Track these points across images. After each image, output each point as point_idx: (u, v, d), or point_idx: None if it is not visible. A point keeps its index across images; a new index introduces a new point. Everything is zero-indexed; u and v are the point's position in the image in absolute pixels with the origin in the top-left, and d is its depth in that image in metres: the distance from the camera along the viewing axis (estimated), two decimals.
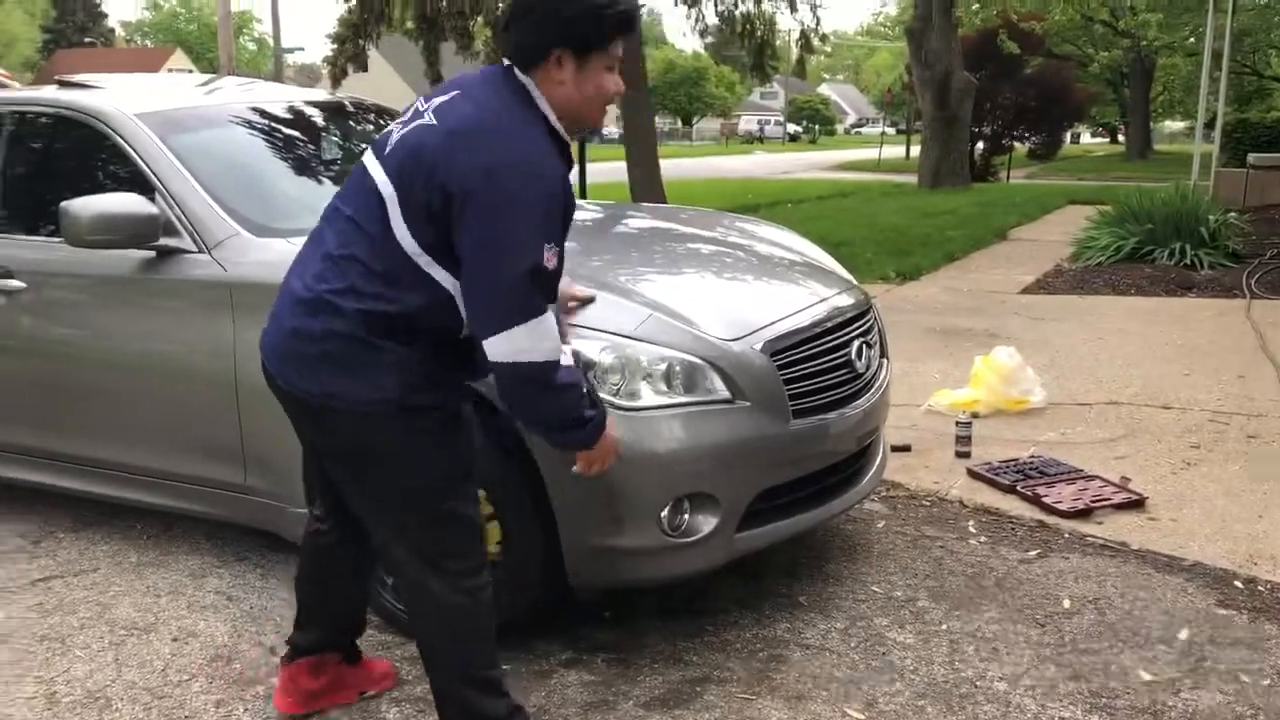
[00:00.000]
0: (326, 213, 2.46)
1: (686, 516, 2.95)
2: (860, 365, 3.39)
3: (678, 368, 2.95)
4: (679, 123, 69.21)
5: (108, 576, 3.69)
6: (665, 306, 3.11)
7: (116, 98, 3.87)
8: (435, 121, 2.27)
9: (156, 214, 3.38)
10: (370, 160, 2.35)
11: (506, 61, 2.33)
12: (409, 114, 2.38)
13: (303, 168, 4.11)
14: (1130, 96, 41.47)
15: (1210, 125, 15.20)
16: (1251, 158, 14.54)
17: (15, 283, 3.76)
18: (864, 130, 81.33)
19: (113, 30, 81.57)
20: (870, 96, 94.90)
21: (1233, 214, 10.93)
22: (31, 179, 4.04)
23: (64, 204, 3.30)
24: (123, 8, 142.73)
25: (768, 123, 72.25)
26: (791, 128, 69.77)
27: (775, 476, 3.11)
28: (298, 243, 3.29)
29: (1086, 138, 60.85)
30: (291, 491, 3.33)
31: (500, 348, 2.18)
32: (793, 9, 12.85)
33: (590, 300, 3.04)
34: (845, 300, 3.57)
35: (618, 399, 2.87)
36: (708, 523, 2.97)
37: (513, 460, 2.93)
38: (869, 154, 39.24)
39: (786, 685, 2.93)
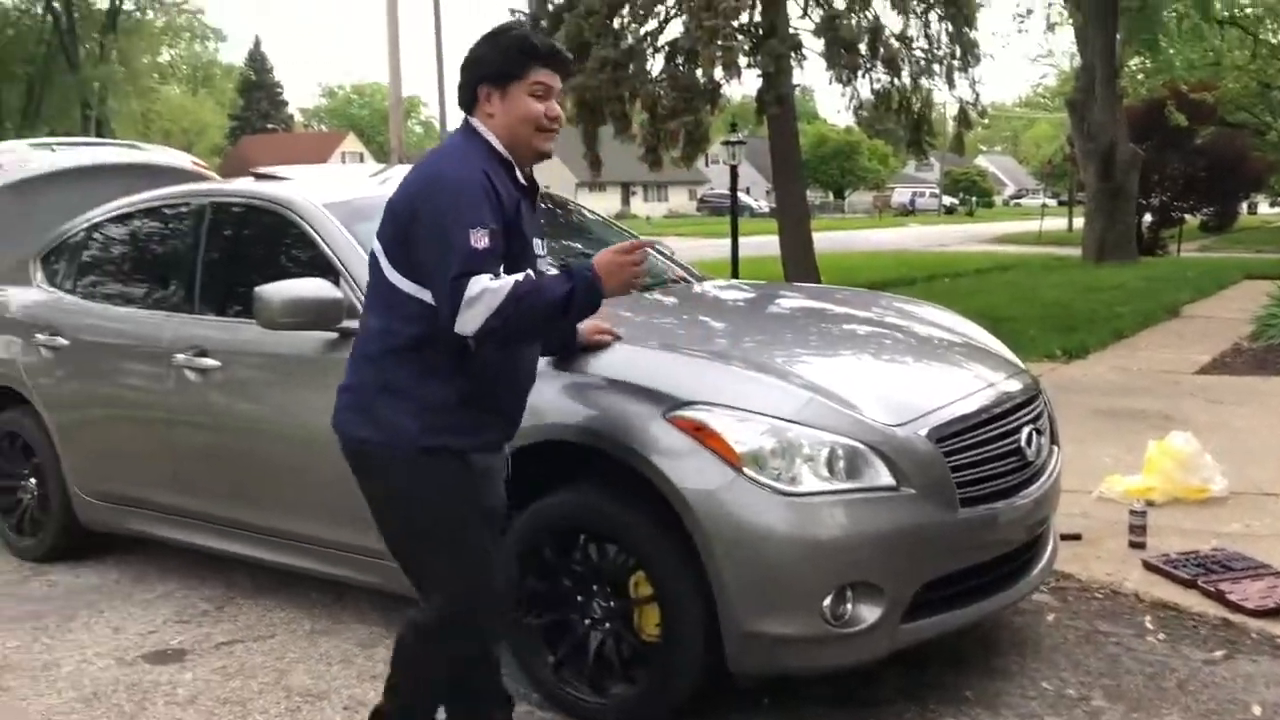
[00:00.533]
0: None
1: (849, 606, 2.91)
2: (1030, 453, 3.30)
3: (840, 453, 2.93)
4: (831, 196, 69.08)
5: (284, 643, 3.85)
6: (826, 389, 3.10)
7: (305, 188, 4.13)
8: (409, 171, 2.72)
9: (341, 298, 3.56)
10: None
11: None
12: None
13: None
14: None
15: None
16: None
17: (210, 361, 4.02)
18: (1023, 202, 79.43)
19: (292, 116, 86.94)
20: (1029, 168, 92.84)
21: None
22: (226, 264, 4.33)
23: (258, 289, 3.52)
24: (301, 95, 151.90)
25: (921, 195, 71.43)
26: (947, 199, 68.79)
27: (942, 567, 3.04)
28: None
29: (1265, 208, 57.95)
30: None
31: (464, 327, 2.43)
32: (950, 85, 12.75)
33: (617, 338, 3.23)
34: (1013, 385, 3.49)
35: (778, 483, 2.87)
36: (871, 613, 2.92)
37: (674, 542, 2.95)
38: (1029, 226, 38.31)
39: None
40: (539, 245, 2.73)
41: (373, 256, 2.67)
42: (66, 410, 4.63)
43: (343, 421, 2.68)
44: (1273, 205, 57.01)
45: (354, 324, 3.59)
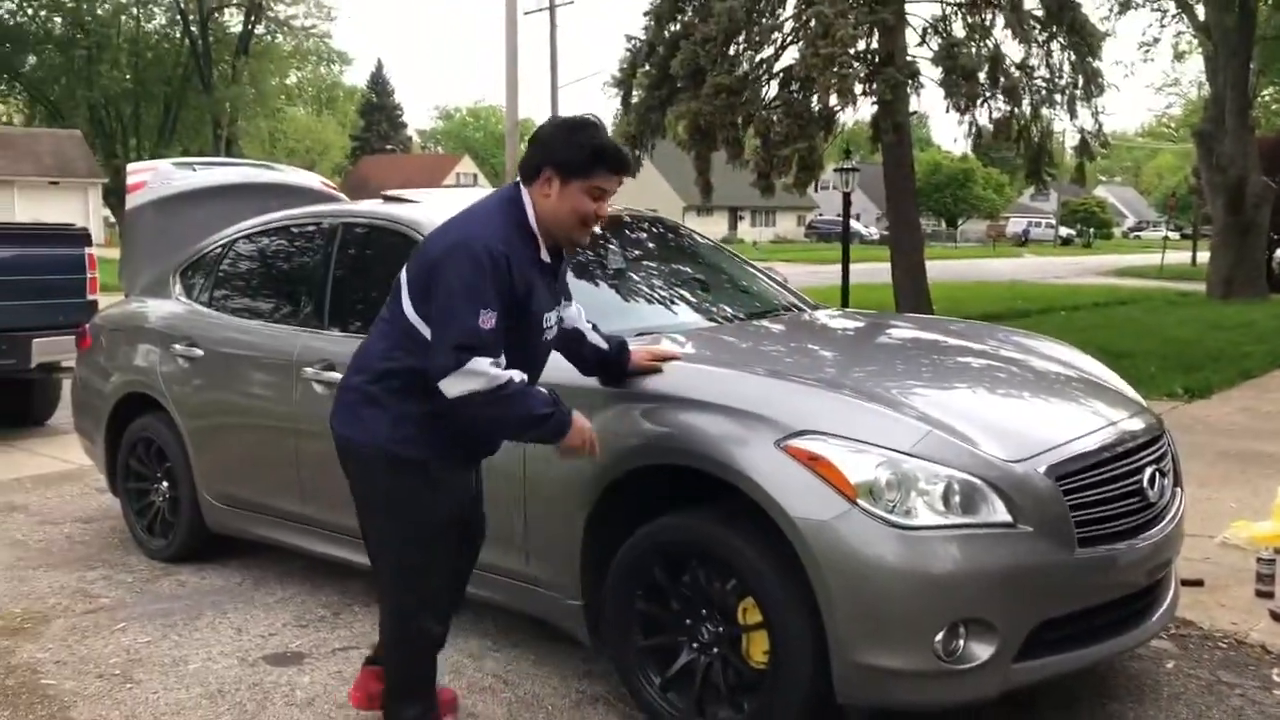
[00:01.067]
0: None
1: (962, 642, 2.88)
2: (1152, 494, 3.22)
3: (957, 487, 2.91)
4: (943, 224, 67.99)
5: None
6: (942, 423, 3.08)
7: (431, 211, 4.26)
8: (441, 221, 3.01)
9: None
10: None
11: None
12: None
13: (586, 275, 4.35)
14: None
15: None
16: None
17: (336, 375, 4.16)
18: (1143, 234, 77.07)
19: (410, 138, 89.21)
20: (1151, 199, 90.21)
21: None
22: (355, 282, 4.49)
23: None
24: (419, 117, 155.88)
25: (1037, 225, 69.78)
26: (1064, 230, 67.11)
27: (1058, 607, 2.98)
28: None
29: None
30: (568, 583, 3.48)
31: (449, 388, 2.74)
32: (1072, 115, 12.46)
33: (673, 358, 3.35)
34: (1136, 424, 3.42)
35: (893, 515, 2.86)
36: (984, 650, 2.88)
37: (784, 570, 2.96)
38: (1149, 260, 37.10)
39: None
40: (558, 311, 3.07)
41: (396, 285, 2.96)
42: (199, 417, 4.84)
43: (335, 419, 3.04)
44: None
45: None
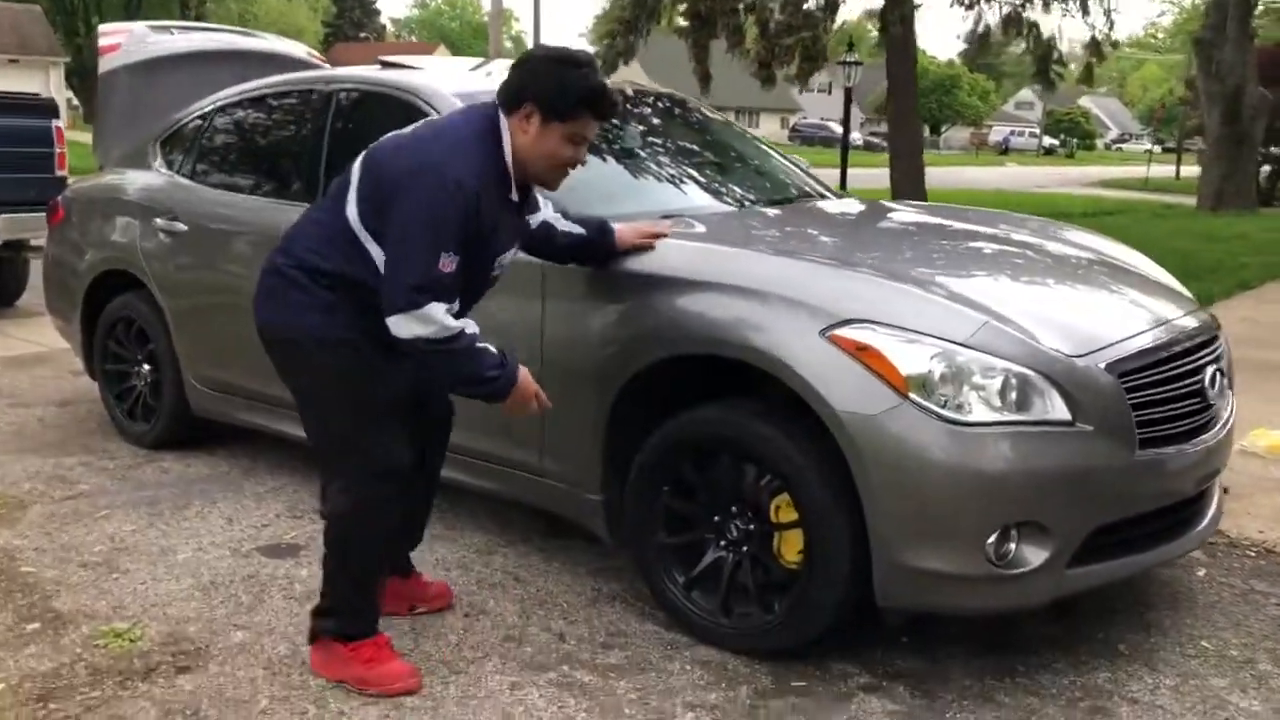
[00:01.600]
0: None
1: (1014, 546, 2.71)
2: (1212, 394, 3.04)
3: (1014, 381, 2.71)
4: (927, 131, 67.28)
5: None
6: (998, 313, 2.86)
7: (436, 79, 3.95)
8: (408, 130, 2.73)
9: None
10: (360, 156, 2.74)
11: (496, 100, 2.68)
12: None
13: (601, 153, 4.08)
14: None
15: None
16: None
17: None
18: (1125, 146, 76.70)
19: (384, 26, 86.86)
20: (1135, 111, 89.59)
21: None
22: (352, 152, 4.18)
23: None
24: (393, 5, 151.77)
25: (1020, 134, 69.21)
26: (1047, 140, 66.63)
27: (1114, 511, 2.82)
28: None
29: None
30: (585, 476, 3.29)
31: (397, 327, 2.55)
32: (1084, 11, 12.05)
33: (663, 235, 3.16)
34: (1192, 322, 3.23)
35: (946, 410, 2.66)
36: (1037, 555, 2.71)
37: (825, 467, 2.77)
38: (1133, 171, 36.89)
39: None
40: (514, 250, 2.83)
41: (342, 184, 2.71)
42: (183, 296, 4.56)
43: (259, 303, 2.80)
44: None
45: None
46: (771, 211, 4.03)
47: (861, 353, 2.73)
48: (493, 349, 2.67)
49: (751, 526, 3.00)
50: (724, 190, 4.15)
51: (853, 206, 4.35)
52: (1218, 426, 3.14)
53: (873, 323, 2.76)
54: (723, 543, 3.06)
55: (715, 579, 3.06)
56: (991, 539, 2.66)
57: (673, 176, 4.12)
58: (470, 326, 2.61)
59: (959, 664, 3.01)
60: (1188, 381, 2.99)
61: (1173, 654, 3.10)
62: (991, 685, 2.90)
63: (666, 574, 3.13)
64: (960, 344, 2.72)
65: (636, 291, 3.14)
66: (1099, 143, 77.05)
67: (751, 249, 3.29)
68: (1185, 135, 38.51)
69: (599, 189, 3.65)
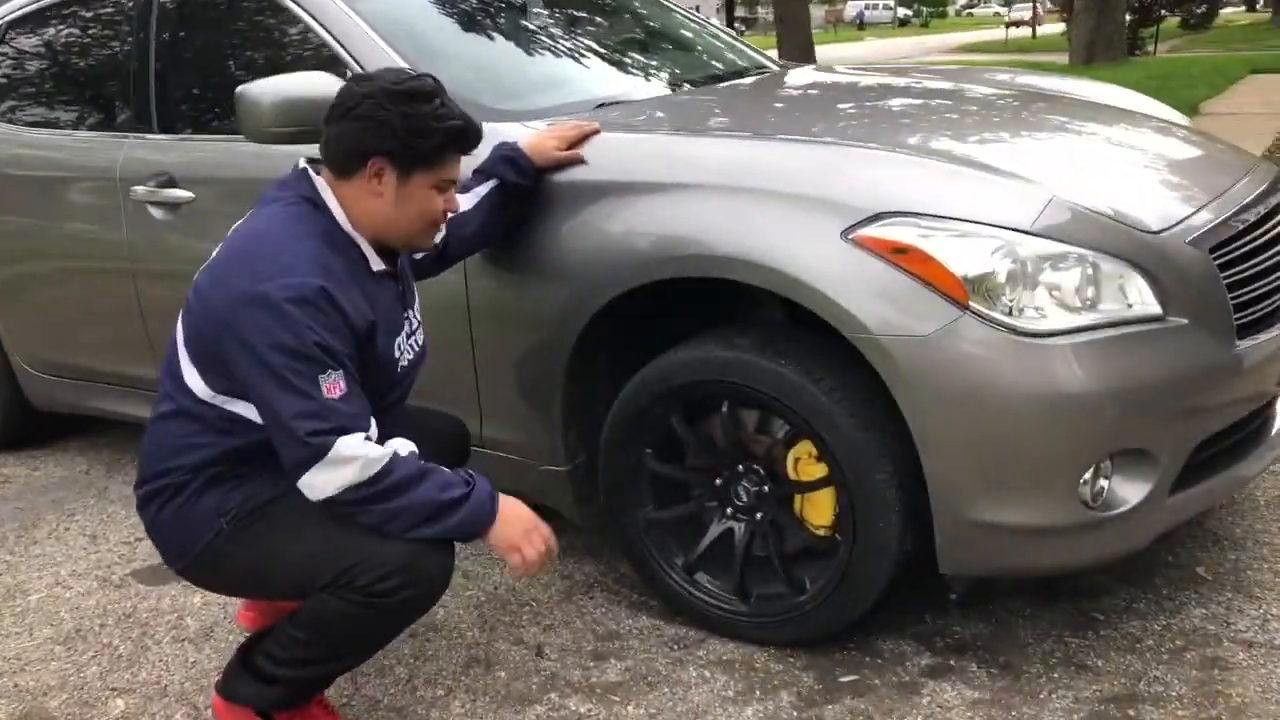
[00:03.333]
0: None
1: (1106, 483, 2.15)
2: None
3: (1092, 273, 2.11)
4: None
5: None
6: (1052, 187, 2.24)
7: None
8: (215, 253, 2.03)
9: None
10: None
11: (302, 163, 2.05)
12: None
13: (519, 34, 3.31)
14: None
15: None
16: None
17: (180, 193, 3.09)
18: (975, 12, 77.33)
19: None
20: None
21: None
22: (189, 66, 3.34)
23: (240, 89, 2.56)
24: None
25: (874, 7, 68.98)
26: (902, 11, 66.59)
27: (1218, 419, 2.27)
28: (535, 127, 2.59)
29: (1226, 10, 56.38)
30: (541, 445, 2.61)
31: (312, 489, 1.89)
32: None
33: (591, 132, 2.46)
34: (1262, 181, 2.65)
35: (1018, 320, 2.05)
36: (1138, 490, 2.15)
37: (860, 408, 2.16)
38: (990, 36, 36.97)
39: (1254, 706, 2.14)
40: (411, 321, 2.16)
41: (170, 358, 2.04)
42: (1, 264, 3.68)
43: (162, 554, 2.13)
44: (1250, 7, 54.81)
45: None
46: (729, 87, 3.34)
47: (900, 256, 2.09)
48: (443, 468, 1.96)
49: (766, 488, 2.38)
50: (663, 69, 3.43)
51: (821, 75, 3.67)
52: None
53: (910, 214, 2.12)
54: (729, 510, 2.44)
55: (725, 557, 2.45)
56: (1086, 476, 2.10)
57: (602, 56, 3.38)
58: (403, 447, 1.94)
59: (1027, 622, 2.47)
60: (1274, 251, 2.44)
61: (1263, 572, 2.61)
62: (1075, 646, 2.37)
63: (662, 556, 2.50)
64: (1026, 231, 2.10)
65: (582, 205, 2.44)
66: (950, 10, 77.44)
67: (724, 134, 2.61)
68: None
69: (509, 83, 2.94)
